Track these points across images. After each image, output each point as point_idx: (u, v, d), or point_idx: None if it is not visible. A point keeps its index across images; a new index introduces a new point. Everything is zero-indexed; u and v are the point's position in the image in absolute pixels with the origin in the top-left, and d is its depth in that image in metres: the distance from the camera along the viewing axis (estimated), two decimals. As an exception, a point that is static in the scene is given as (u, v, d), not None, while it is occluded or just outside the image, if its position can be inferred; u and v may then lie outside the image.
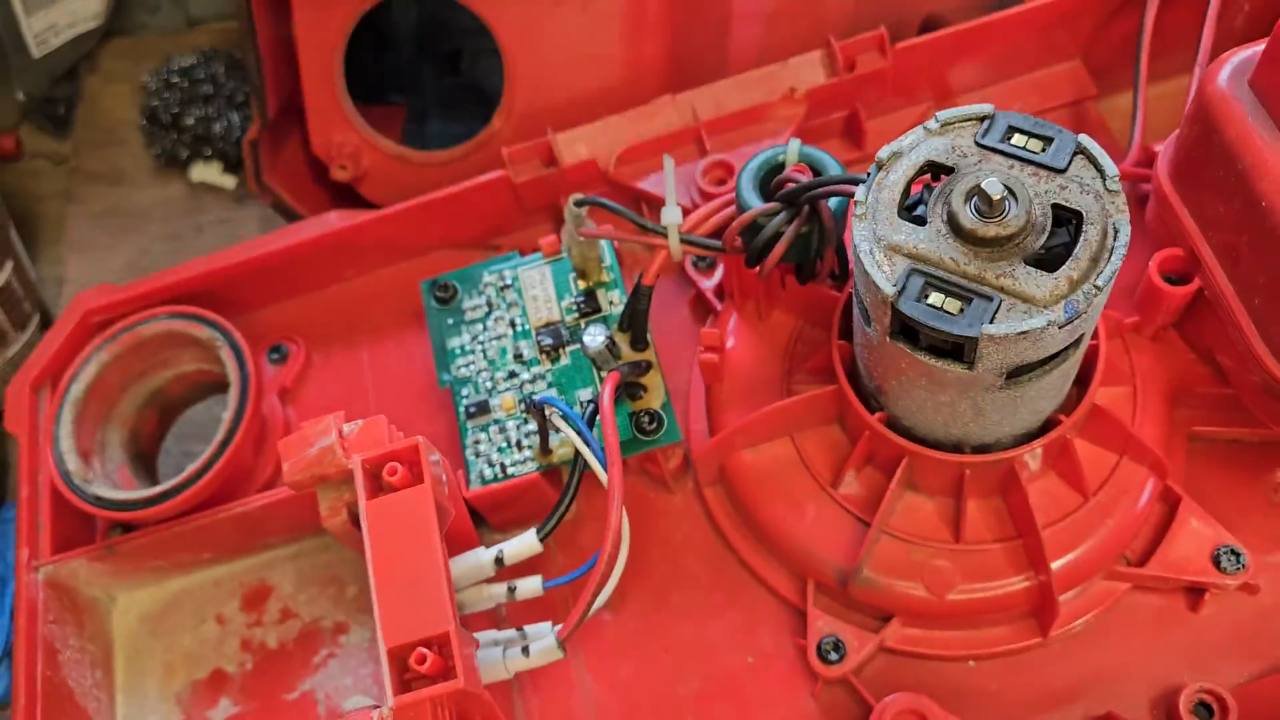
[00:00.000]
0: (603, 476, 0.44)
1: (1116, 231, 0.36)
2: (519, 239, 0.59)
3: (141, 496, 0.51)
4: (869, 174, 0.39)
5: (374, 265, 0.60)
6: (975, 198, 0.36)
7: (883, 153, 0.39)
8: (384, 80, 0.73)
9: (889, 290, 0.36)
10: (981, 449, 0.44)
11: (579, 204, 0.49)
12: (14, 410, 0.56)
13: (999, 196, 0.35)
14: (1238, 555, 0.45)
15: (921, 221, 0.37)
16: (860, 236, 0.37)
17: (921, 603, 0.46)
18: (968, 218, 0.36)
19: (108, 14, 0.71)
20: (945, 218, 0.37)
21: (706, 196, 0.55)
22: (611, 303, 0.52)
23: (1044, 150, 0.37)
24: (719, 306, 0.54)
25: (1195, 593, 0.47)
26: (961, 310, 0.36)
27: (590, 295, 0.53)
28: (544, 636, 0.44)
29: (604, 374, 0.51)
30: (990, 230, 0.35)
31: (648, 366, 0.50)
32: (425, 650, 0.37)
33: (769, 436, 0.49)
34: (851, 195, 0.40)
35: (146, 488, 0.56)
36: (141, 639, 0.56)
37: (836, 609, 0.48)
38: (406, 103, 0.75)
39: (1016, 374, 0.38)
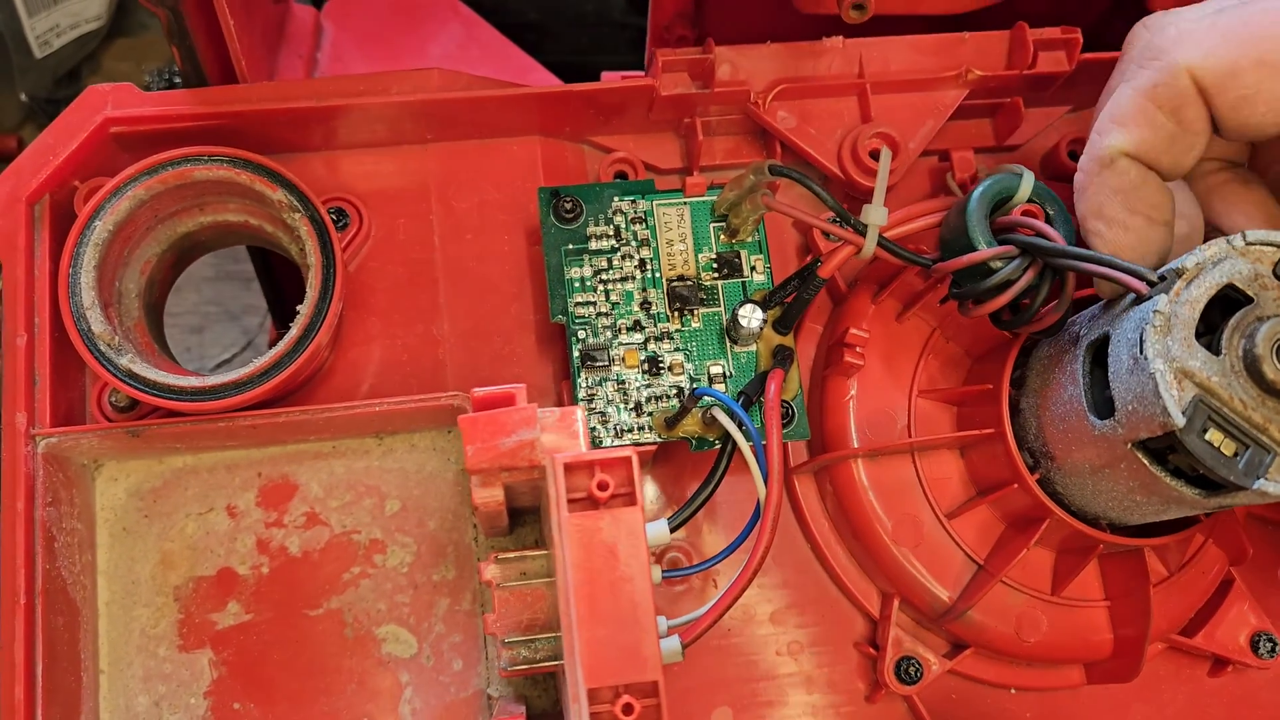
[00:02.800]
0: (762, 490, 0.42)
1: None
2: (628, 144, 0.52)
3: (192, 386, 0.43)
4: (1165, 279, 0.37)
5: (455, 135, 0.51)
6: None
7: (1187, 260, 0.37)
8: None
9: (1179, 420, 0.35)
10: (1115, 527, 0.45)
11: (775, 172, 0.44)
12: (3, 228, 0.45)
13: None
14: (1274, 644, 0.50)
15: (1210, 347, 0.36)
16: (1155, 353, 0.36)
17: (1007, 642, 0.47)
18: (1272, 366, 0.35)
19: (110, 15, 0.69)
20: (1242, 355, 0.35)
21: (860, 166, 0.50)
22: (754, 268, 0.48)
23: (1335, 299, 0.37)
24: (844, 288, 0.51)
25: (1220, 663, 0.51)
26: (1236, 454, 0.35)
27: (732, 255, 0.48)
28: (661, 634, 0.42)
29: (738, 348, 0.47)
30: (1292, 383, 0.35)
31: (792, 356, 0.46)
32: (632, 700, 0.34)
33: (896, 452, 0.47)
34: (1119, 283, 0.39)
35: (162, 353, 0.47)
36: (131, 518, 0.48)
37: (910, 625, 0.49)
38: None
39: (1232, 502, 0.38)
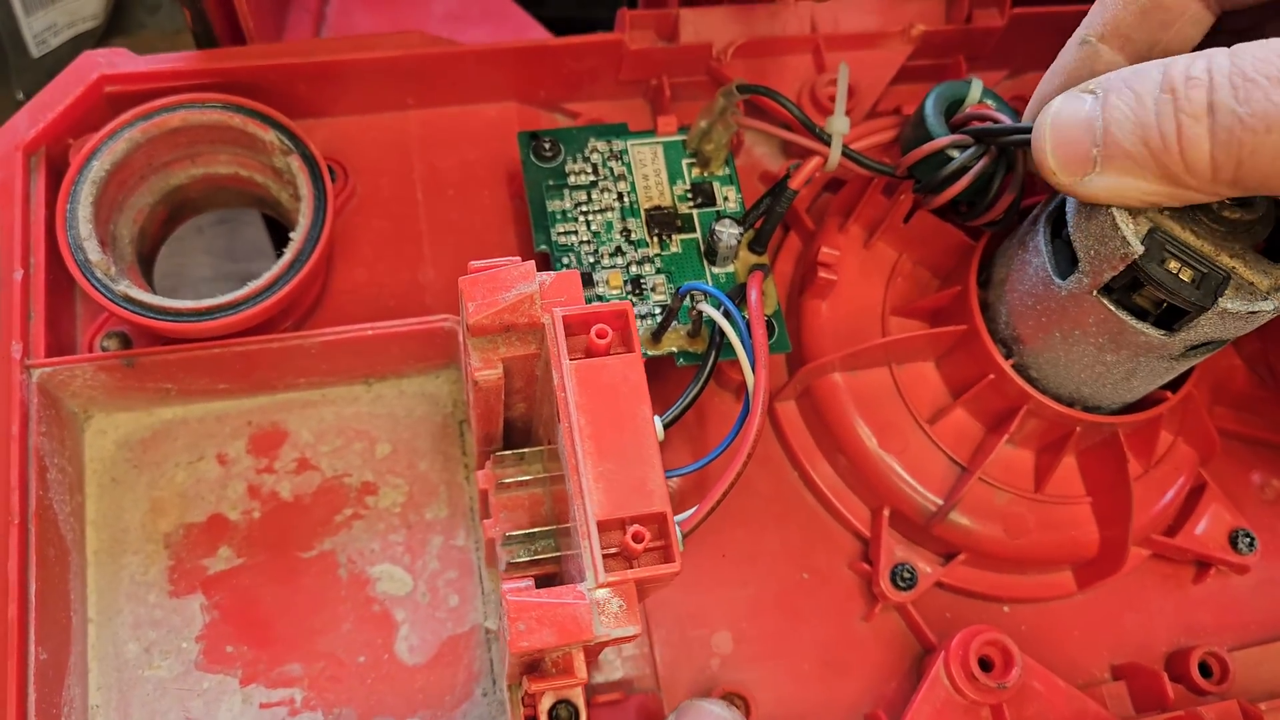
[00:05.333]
0: (749, 375, 0.43)
1: (1328, 235, 0.39)
2: (598, 110, 0.56)
3: (188, 308, 0.44)
4: (1112, 132, 0.40)
5: (435, 101, 0.54)
6: None
7: (1131, 116, 0.40)
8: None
9: (1137, 248, 0.37)
10: (1090, 410, 0.46)
11: (744, 90, 0.47)
12: (1, 178, 0.46)
13: None
14: (1251, 539, 0.51)
15: None
16: (1109, 192, 0.38)
17: (995, 544, 0.48)
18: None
19: (107, 14, 0.69)
20: None
21: (821, 108, 0.54)
22: (726, 198, 0.50)
23: (1264, 148, 0.40)
24: (811, 225, 0.53)
25: (1202, 567, 0.52)
26: (1193, 280, 0.37)
27: (705, 186, 0.50)
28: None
29: (716, 268, 0.49)
30: (1235, 213, 0.37)
31: (768, 270, 0.48)
32: (642, 529, 0.34)
33: (871, 364, 0.49)
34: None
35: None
36: (120, 468, 0.48)
37: (902, 539, 0.50)
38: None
39: (1196, 348, 0.41)
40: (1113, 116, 0.35)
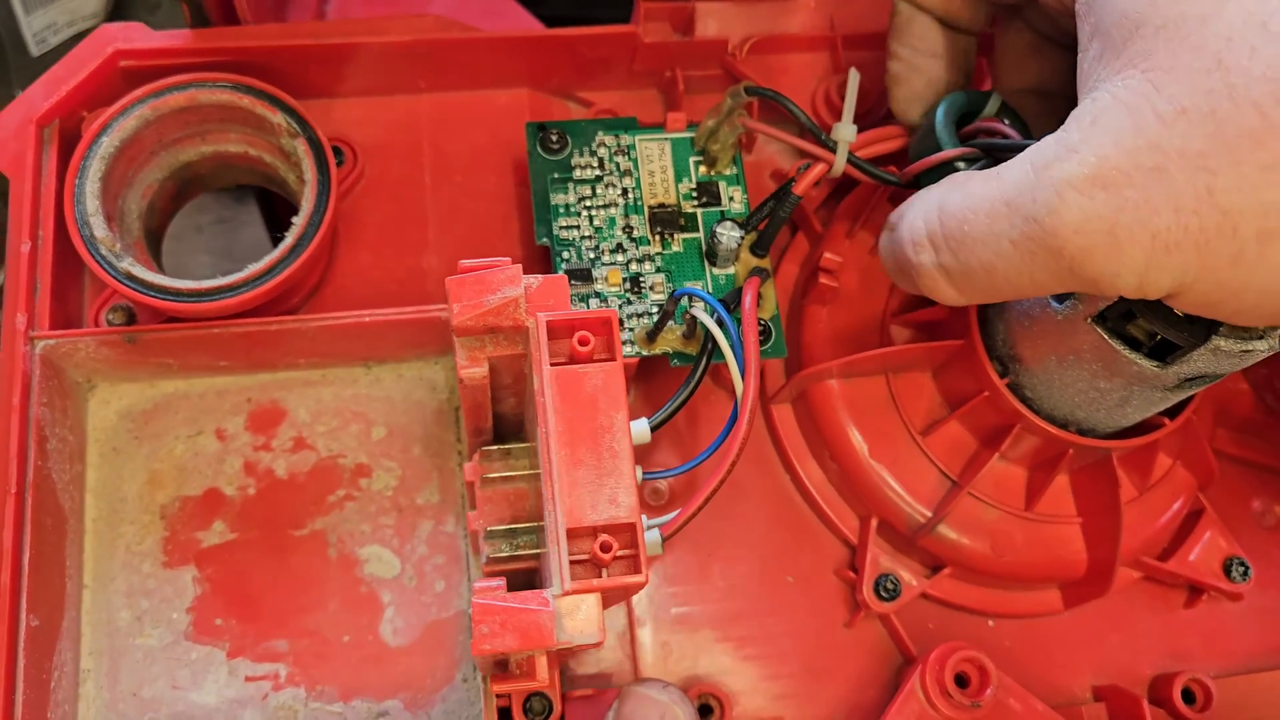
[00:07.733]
0: (739, 384, 0.43)
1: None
2: (611, 100, 0.55)
3: (189, 288, 0.44)
4: (1116, 157, 0.39)
5: (447, 85, 0.54)
6: None
7: (1136, 140, 0.39)
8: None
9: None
10: (1085, 432, 0.46)
11: (751, 92, 0.46)
12: (13, 147, 0.47)
13: None
14: (1246, 568, 0.50)
15: None
16: (1108, 220, 0.37)
17: (982, 560, 0.48)
18: None
19: (107, 13, 0.70)
20: None
21: (834, 111, 0.53)
22: (731, 198, 0.50)
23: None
24: (819, 227, 0.53)
25: (1194, 591, 0.52)
26: (1187, 315, 0.37)
27: (710, 185, 0.50)
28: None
29: (717, 270, 0.49)
30: (1237, 247, 0.37)
31: (768, 275, 0.48)
32: (611, 539, 0.34)
33: (867, 372, 0.49)
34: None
35: (161, 273, 0.49)
36: (121, 438, 0.49)
37: (888, 548, 0.50)
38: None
39: (1191, 380, 0.40)
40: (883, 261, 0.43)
